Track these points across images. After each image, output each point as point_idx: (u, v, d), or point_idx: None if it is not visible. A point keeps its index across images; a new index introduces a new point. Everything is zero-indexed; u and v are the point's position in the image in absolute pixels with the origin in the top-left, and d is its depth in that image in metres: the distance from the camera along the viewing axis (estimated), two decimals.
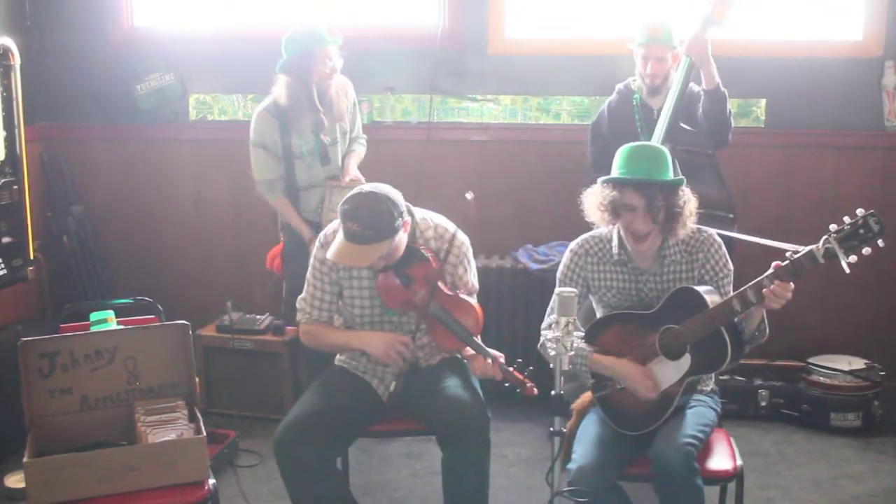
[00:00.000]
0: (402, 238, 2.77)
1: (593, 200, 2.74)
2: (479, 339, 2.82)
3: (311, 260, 2.95)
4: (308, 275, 2.96)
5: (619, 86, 3.84)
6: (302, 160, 3.76)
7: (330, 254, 2.74)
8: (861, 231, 2.35)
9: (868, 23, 4.29)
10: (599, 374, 2.78)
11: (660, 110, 3.63)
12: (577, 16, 4.48)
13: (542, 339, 2.89)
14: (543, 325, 2.91)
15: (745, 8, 4.23)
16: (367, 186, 2.78)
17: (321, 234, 2.96)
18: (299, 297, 2.99)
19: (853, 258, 2.36)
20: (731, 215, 3.58)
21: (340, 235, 2.73)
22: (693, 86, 3.59)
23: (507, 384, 2.71)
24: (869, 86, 4.29)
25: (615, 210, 2.68)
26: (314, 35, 3.65)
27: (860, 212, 2.37)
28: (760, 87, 4.36)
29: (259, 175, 3.80)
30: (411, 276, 2.80)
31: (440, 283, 2.83)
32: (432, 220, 2.95)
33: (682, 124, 3.55)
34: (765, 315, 2.61)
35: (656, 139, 3.48)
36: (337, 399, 2.84)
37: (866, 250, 2.35)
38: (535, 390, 2.67)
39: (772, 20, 4.41)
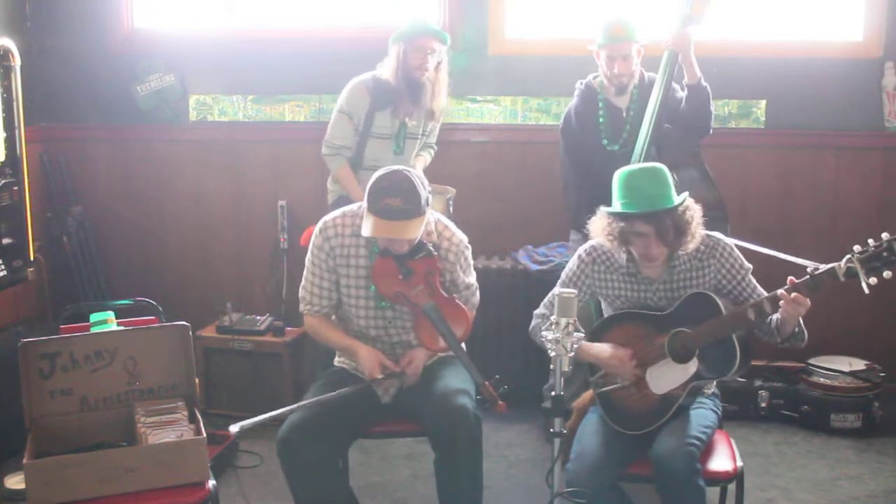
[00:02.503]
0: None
1: (600, 229, 2.73)
2: (464, 347, 2.86)
3: (310, 247, 2.96)
4: (307, 262, 2.97)
5: (580, 85, 3.74)
6: (377, 140, 3.81)
7: (366, 230, 2.71)
8: (885, 254, 2.38)
9: (868, 24, 4.30)
10: (601, 371, 2.80)
11: (628, 109, 3.61)
12: (578, 16, 4.48)
13: (533, 322, 2.91)
14: (538, 310, 2.92)
15: (725, 6, 4.24)
16: (393, 167, 2.80)
17: (321, 222, 2.96)
18: (301, 286, 3.00)
19: (874, 280, 2.39)
20: (723, 215, 3.58)
21: (371, 214, 2.71)
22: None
23: (479, 396, 2.75)
24: (869, 87, 4.30)
25: (625, 239, 2.68)
26: (417, 22, 3.74)
27: (885, 235, 2.39)
28: (760, 88, 4.36)
29: (332, 138, 3.85)
30: (412, 268, 2.80)
31: (438, 283, 2.83)
32: (433, 216, 2.96)
33: (666, 124, 3.53)
34: (800, 320, 2.61)
35: (641, 143, 3.47)
36: (338, 399, 2.84)
37: (887, 273, 2.38)
38: (505, 409, 2.73)
39: (772, 21, 4.41)
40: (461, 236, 2.96)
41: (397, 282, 2.81)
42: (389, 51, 3.77)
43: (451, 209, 3.98)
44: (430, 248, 2.84)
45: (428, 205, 2.77)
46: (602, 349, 2.77)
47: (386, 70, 3.77)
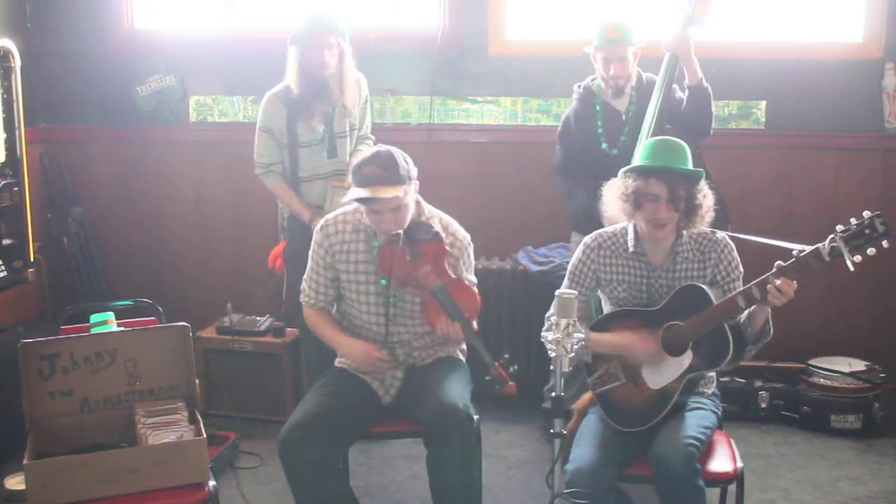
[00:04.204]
0: (413, 196, 2.84)
1: (614, 192, 2.77)
2: (474, 325, 2.85)
3: (312, 244, 2.99)
4: (309, 257, 3.01)
5: (578, 88, 3.74)
6: (307, 149, 3.73)
7: (348, 197, 2.79)
8: (867, 231, 2.39)
9: (868, 24, 4.29)
10: (599, 370, 2.80)
11: (627, 112, 3.62)
12: (578, 17, 4.48)
13: (546, 325, 2.90)
14: (549, 313, 2.92)
15: (726, 7, 4.24)
16: (378, 147, 2.88)
17: (322, 220, 3.00)
18: (304, 277, 3.04)
19: (858, 258, 2.40)
20: (724, 215, 3.57)
21: (356, 186, 2.78)
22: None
23: (487, 377, 2.74)
24: (869, 87, 4.29)
25: (638, 200, 2.70)
26: (315, 17, 3.63)
27: (866, 213, 2.41)
28: (760, 89, 4.36)
29: (258, 157, 3.79)
30: (420, 251, 2.83)
31: (446, 264, 2.85)
32: (436, 212, 2.99)
33: (667, 125, 3.53)
34: (769, 315, 2.63)
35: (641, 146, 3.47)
36: (340, 400, 2.86)
37: (871, 250, 2.40)
38: (515, 390, 2.71)
39: (772, 22, 4.41)
40: (465, 233, 2.99)
41: (405, 264, 2.82)
42: (288, 56, 3.66)
43: None
44: (435, 229, 2.87)
45: (410, 179, 2.81)
46: (622, 338, 2.77)
47: (290, 75, 3.66)
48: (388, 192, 2.75)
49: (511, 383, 2.72)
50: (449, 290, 2.82)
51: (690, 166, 2.76)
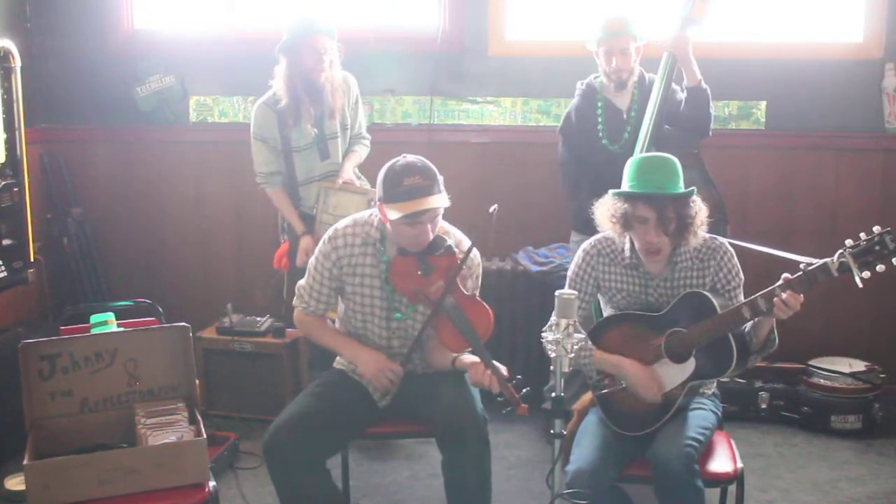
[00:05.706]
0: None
1: (604, 212, 2.74)
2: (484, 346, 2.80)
3: (316, 252, 2.94)
4: (310, 265, 2.95)
5: (581, 85, 3.75)
6: (300, 153, 3.75)
7: (394, 214, 2.67)
8: (877, 248, 2.38)
9: (868, 25, 4.30)
10: (601, 374, 2.79)
11: (629, 110, 3.62)
12: (578, 18, 4.48)
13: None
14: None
15: (724, 6, 4.24)
16: (406, 156, 2.79)
17: (331, 230, 2.94)
18: (300, 282, 2.99)
19: (867, 273, 2.39)
20: (722, 216, 3.57)
21: (394, 202, 2.68)
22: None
23: (500, 397, 2.69)
24: (869, 88, 4.30)
25: (627, 222, 2.68)
26: (305, 22, 3.64)
27: (877, 229, 2.40)
28: (761, 90, 4.36)
29: (257, 167, 3.82)
30: (433, 265, 2.77)
31: (458, 280, 2.79)
32: (449, 227, 2.95)
33: (666, 126, 3.53)
34: (774, 326, 2.61)
35: (640, 144, 3.47)
36: (329, 401, 2.84)
37: (880, 267, 2.38)
38: (527, 412, 2.64)
39: (772, 22, 4.41)
40: (476, 253, 2.93)
41: (416, 278, 2.77)
42: (279, 61, 3.66)
43: None
44: (450, 243, 2.81)
45: (443, 188, 2.75)
46: (630, 368, 2.73)
47: (278, 83, 3.66)
48: (435, 202, 2.70)
49: (523, 405, 2.65)
50: (462, 308, 2.75)
51: (680, 184, 2.71)
